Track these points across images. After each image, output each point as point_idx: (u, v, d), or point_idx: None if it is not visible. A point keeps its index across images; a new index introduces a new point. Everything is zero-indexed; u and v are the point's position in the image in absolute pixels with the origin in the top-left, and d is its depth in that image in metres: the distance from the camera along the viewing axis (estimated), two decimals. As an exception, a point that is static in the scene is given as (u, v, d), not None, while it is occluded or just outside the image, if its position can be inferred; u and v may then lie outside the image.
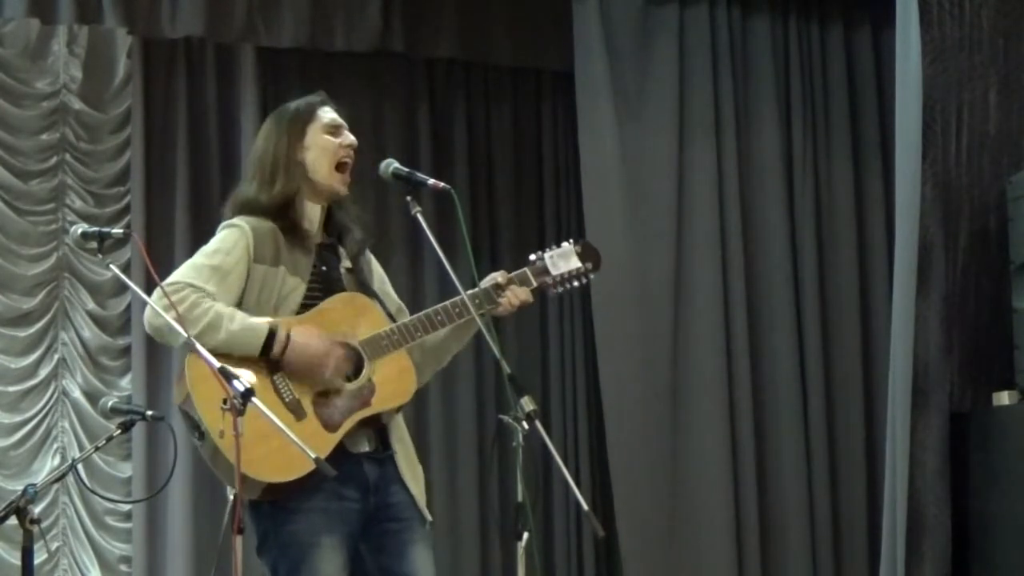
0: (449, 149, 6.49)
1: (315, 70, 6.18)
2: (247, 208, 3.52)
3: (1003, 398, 5.42)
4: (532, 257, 3.64)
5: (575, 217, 6.52)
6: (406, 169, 3.55)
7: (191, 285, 3.35)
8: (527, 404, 3.30)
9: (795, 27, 6.68)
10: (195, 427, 3.29)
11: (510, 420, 3.49)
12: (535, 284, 3.60)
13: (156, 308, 3.27)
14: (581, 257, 3.65)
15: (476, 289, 3.53)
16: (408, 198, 3.52)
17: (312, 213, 3.55)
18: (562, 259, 3.64)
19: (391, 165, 3.56)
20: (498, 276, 3.57)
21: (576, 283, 3.66)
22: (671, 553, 6.19)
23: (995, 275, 5.61)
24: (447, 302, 3.50)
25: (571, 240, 3.70)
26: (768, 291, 6.50)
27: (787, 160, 6.61)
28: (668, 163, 6.40)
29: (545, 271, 3.62)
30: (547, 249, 3.66)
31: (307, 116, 3.56)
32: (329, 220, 3.60)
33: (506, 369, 3.38)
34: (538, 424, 3.29)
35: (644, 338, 6.25)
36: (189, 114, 6.11)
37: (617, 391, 6.20)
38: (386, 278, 3.72)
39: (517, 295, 3.55)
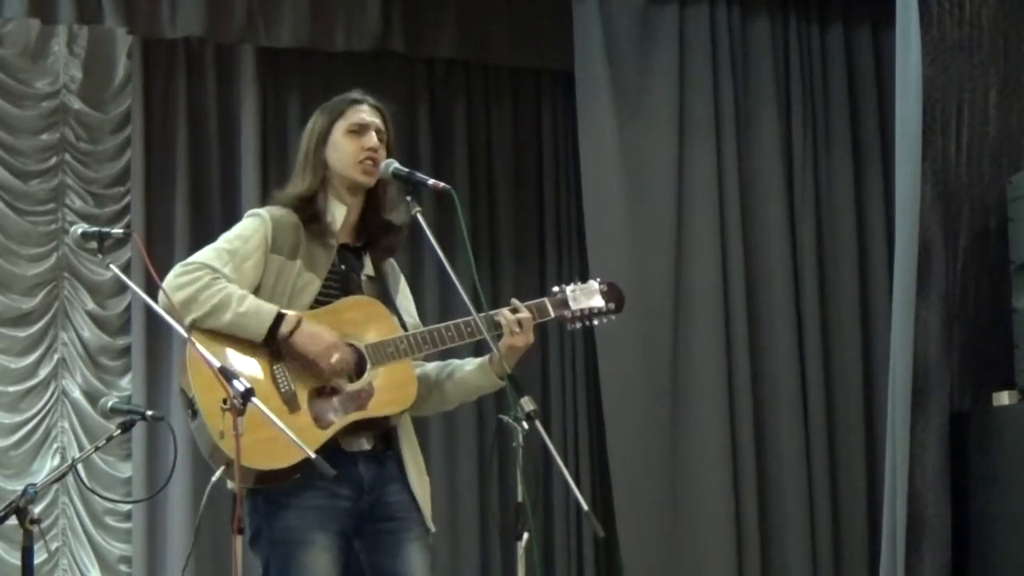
0: (449, 149, 6.49)
1: (315, 70, 6.18)
2: (279, 199, 3.56)
3: (1003, 398, 5.42)
4: (555, 289, 3.65)
5: (575, 217, 6.52)
6: (406, 169, 3.55)
7: (207, 266, 3.39)
8: (527, 404, 3.31)
9: (795, 27, 6.68)
10: (189, 404, 3.32)
11: (510, 420, 3.49)
12: (552, 315, 3.61)
13: (166, 292, 3.32)
14: (605, 296, 3.65)
15: (488, 312, 3.53)
16: (408, 198, 3.52)
17: (337, 211, 3.55)
18: (584, 295, 3.64)
19: (391, 165, 3.56)
20: (513, 303, 3.56)
21: (595, 321, 3.66)
22: (671, 553, 6.19)
23: (995, 275, 5.61)
24: (459, 320, 3.49)
25: (598, 279, 3.70)
26: (768, 291, 6.50)
27: (787, 160, 6.61)
28: (668, 163, 6.40)
29: (564, 304, 3.62)
30: (571, 283, 3.66)
31: (336, 114, 3.58)
32: (361, 222, 3.60)
33: (506, 369, 3.38)
34: (538, 424, 3.29)
35: (644, 338, 6.25)
36: (189, 114, 6.11)
37: (617, 391, 6.20)
38: (410, 296, 3.73)
39: (514, 317, 3.51)
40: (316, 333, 3.36)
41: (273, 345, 3.37)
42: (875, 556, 5.98)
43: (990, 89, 5.70)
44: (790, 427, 6.44)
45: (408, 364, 3.50)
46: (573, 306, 3.62)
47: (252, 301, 3.36)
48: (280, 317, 3.35)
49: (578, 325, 3.67)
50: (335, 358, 3.36)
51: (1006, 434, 5.36)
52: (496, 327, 3.51)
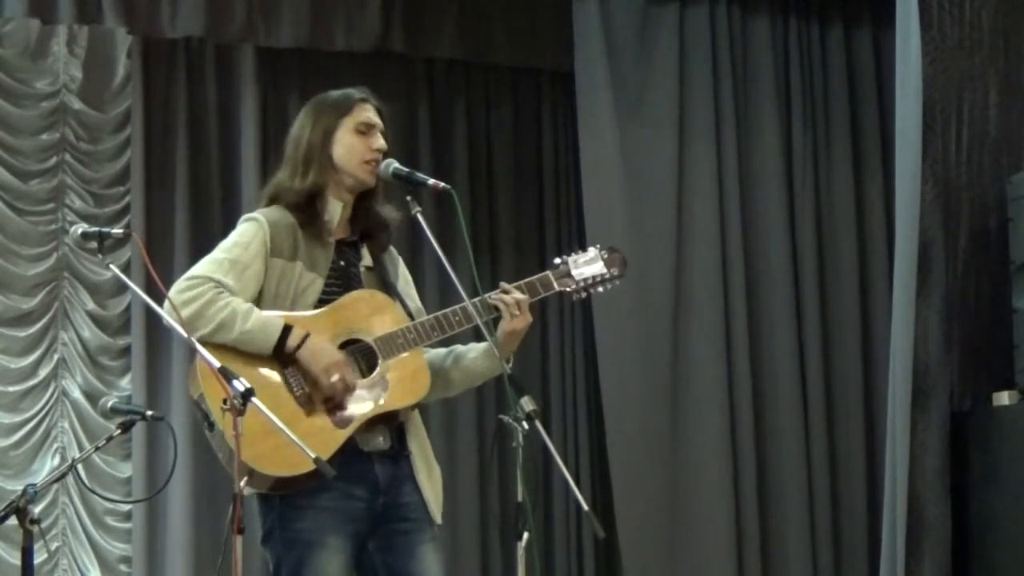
0: (449, 149, 6.49)
1: (315, 70, 6.17)
2: (277, 196, 3.53)
3: (1003, 398, 5.43)
4: (556, 260, 3.63)
5: (575, 217, 6.52)
6: (406, 169, 3.55)
7: (210, 279, 3.36)
8: (527, 404, 3.31)
9: (795, 27, 6.68)
10: (206, 418, 3.31)
11: (510, 420, 3.48)
12: (557, 288, 3.59)
13: (173, 305, 3.30)
14: (607, 263, 3.63)
15: (484, 296, 3.51)
16: (408, 198, 3.52)
17: (335, 208, 3.54)
18: (586, 264, 3.62)
19: (391, 165, 3.56)
20: (503, 286, 3.54)
21: (600, 289, 3.64)
22: (671, 553, 6.19)
23: (995, 275, 5.62)
24: (465, 303, 3.47)
25: (598, 245, 3.67)
26: (768, 291, 6.50)
27: (787, 160, 6.61)
28: (668, 163, 6.40)
29: (568, 275, 3.60)
30: (572, 253, 3.64)
31: (342, 110, 3.56)
32: (355, 217, 3.59)
33: (506, 369, 3.38)
34: (538, 424, 3.29)
35: (644, 338, 6.25)
36: (189, 114, 6.10)
37: (617, 391, 6.20)
38: (410, 279, 3.72)
39: (512, 298, 3.50)
40: (318, 352, 3.35)
41: (282, 356, 3.36)
42: (875, 556, 5.99)
43: (990, 89, 5.71)
44: (790, 427, 6.44)
45: (419, 354, 3.50)
46: (576, 276, 3.60)
47: (257, 317, 3.34)
48: (286, 332, 3.34)
49: (583, 295, 3.65)
50: (335, 377, 3.34)
51: (1006, 434, 5.37)
52: (494, 310, 3.50)
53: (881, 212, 6.64)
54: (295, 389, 3.35)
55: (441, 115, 6.50)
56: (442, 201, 3.62)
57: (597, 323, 6.19)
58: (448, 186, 3.50)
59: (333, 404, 3.36)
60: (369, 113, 3.57)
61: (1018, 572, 5.20)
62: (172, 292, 3.34)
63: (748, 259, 6.48)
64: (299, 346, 3.33)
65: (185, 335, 3.20)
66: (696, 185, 6.43)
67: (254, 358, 3.34)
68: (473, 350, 3.60)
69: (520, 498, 3.55)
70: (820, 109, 6.70)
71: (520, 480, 3.53)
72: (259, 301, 3.43)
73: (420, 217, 3.48)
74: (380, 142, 3.55)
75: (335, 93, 3.62)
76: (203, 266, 3.43)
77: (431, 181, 3.52)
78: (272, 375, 3.34)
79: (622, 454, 6.17)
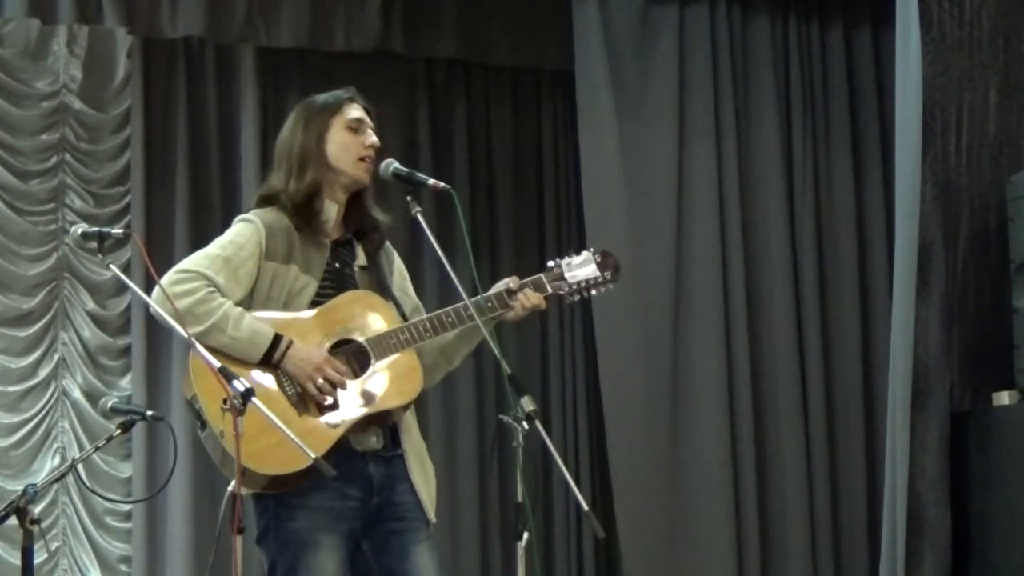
0: (449, 149, 6.49)
1: (315, 70, 6.18)
2: (272, 199, 3.53)
3: (1003, 398, 5.42)
4: (550, 263, 3.64)
5: (575, 217, 6.52)
6: (406, 169, 3.55)
7: (203, 276, 3.37)
8: (527, 404, 3.31)
9: (795, 27, 6.68)
10: (198, 417, 3.32)
11: (510, 420, 3.49)
12: (550, 290, 3.59)
13: (166, 295, 3.29)
14: (600, 266, 3.63)
15: (488, 292, 3.53)
16: (408, 198, 3.53)
17: (330, 210, 3.55)
18: (580, 267, 3.63)
19: (391, 165, 3.56)
20: (510, 281, 3.56)
21: (594, 292, 3.65)
22: (671, 553, 6.19)
23: (995, 275, 5.62)
24: (458, 304, 3.48)
25: (591, 249, 3.68)
26: (768, 291, 6.50)
27: (787, 160, 6.61)
28: (668, 163, 6.40)
29: (561, 278, 3.61)
30: (566, 256, 3.65)
31: (332, 110, 3.57)
32: (348, 217, 3.59)
33: (506, 369, 3.38)
34: (538, 424, 3.29)
35: (644, 338, 6.25)
36: (189, 114, 6.11)
37: (617, 391, 6.20)
38: (407, 275, 3.73)
39: (529, 299, 3.53)
40: (301, 360, 3.36)
41: (269, 364, 3.37)
42: (875, 556, 5.99)
43: (990, 89, 5.70)
44: (790, 427, 6.44)
45: (412, 354, 3.49)
46: (570, 279, 3.61)
47: (248, 325, 3.35)
48: (274, 344, 3.34)
49: (576, 298, 3.66)
50: (319, 381, 3.36)
51: (1006, 434, 5.37)
52: (502, 305, 3.50)
53: (881, 212, 6.64)
54: (288, 389, 3.36)
55: (441, 115, 6.50)
56: (442, 201, 3.62)
57: (597, 323, 6.19)
58: (448, 186, 3.51)
59: (327, 405, 3.37)
60: (357, 111, 3.58)
61: (1018, 572, 5.19)
62: (164, 283, 3.33)
63: (748, 259, 6.48)
64: (282, 358, 3.35)
65: (175, 325, 3.19)
66: (696, 185, 6.42)
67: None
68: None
69: (520, 498, 3.55)
70: (820, 109, 6.70)
71: (520, 480, 3.53)
72: (249, 302, 3.43)
73: (420, 217, 3.48)
74: (373, 138, 3.57)
75: (322, 96, 3.64)
76: (196, 260, 3.43)
77: (431, 181, 3.52)
78: (266, 375, 3.36)
79: (622, 454, 6.17)
